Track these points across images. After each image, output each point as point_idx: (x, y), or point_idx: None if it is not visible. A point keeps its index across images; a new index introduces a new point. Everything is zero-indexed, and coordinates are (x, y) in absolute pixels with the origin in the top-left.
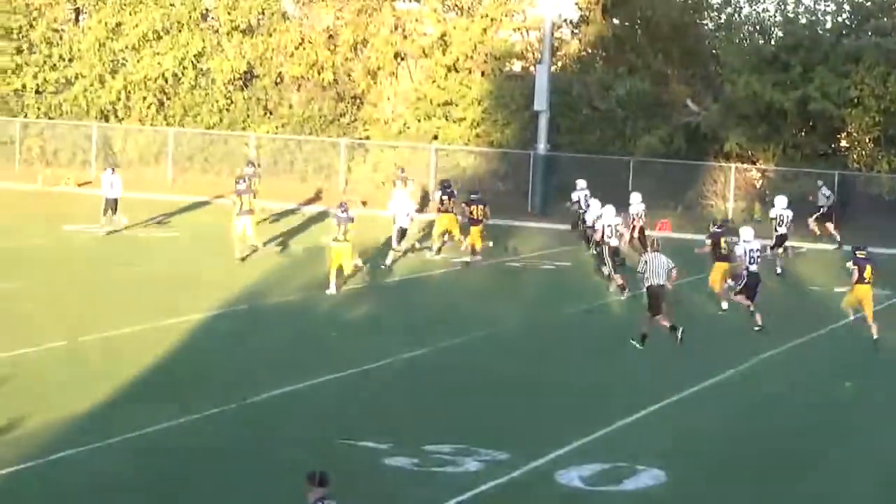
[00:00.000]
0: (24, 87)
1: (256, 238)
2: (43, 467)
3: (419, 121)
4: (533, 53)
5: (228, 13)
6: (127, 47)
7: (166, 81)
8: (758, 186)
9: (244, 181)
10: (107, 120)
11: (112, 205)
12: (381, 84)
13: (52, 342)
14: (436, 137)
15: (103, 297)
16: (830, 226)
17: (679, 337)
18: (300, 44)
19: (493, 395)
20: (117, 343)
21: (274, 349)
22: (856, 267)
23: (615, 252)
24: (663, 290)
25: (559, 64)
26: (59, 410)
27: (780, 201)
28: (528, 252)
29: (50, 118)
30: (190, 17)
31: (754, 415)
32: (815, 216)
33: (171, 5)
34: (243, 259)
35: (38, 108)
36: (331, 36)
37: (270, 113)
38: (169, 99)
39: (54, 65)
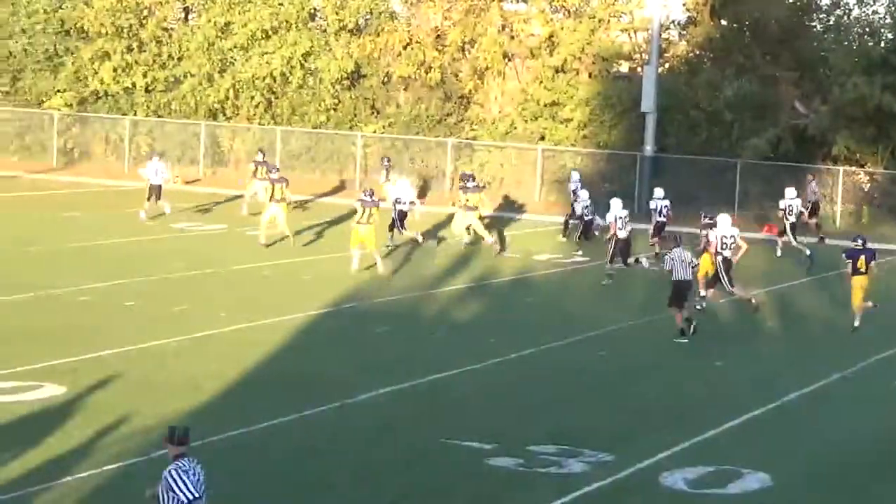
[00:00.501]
0: (133, 85)
1: (287, 227)
2: (146, 464)
3: (526, 121)
4: (640, 55)
5: (336, 13)
6: (235, 46)
7: (274, 80)
8: (866, 190)
9: (277, 170)
10: (215, 118)
11: (156, 191)
12: (489, 84)
13: (159, 340)
14: (542, 138)
15: (211, 295)
16: (813, 221)
17: (691, 331)
18: (408, 44)
19: (599, 396)
20: (225, 341)
21: (378, 348)
22: (849, 260)
23: (626, 244)
24: (689, 284)
25: (666, 65)
26: (166, 407)
27: (789, 192)
28: (636, 253)
29: (159, 116)
30: (298, 16)
31: (860, 420)
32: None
33: (280, 5)
34: (268, 245)
35: (148, 107)
36: (438, 36)
37: (377, 112)
38: (277, 98)
39: (164, 63)
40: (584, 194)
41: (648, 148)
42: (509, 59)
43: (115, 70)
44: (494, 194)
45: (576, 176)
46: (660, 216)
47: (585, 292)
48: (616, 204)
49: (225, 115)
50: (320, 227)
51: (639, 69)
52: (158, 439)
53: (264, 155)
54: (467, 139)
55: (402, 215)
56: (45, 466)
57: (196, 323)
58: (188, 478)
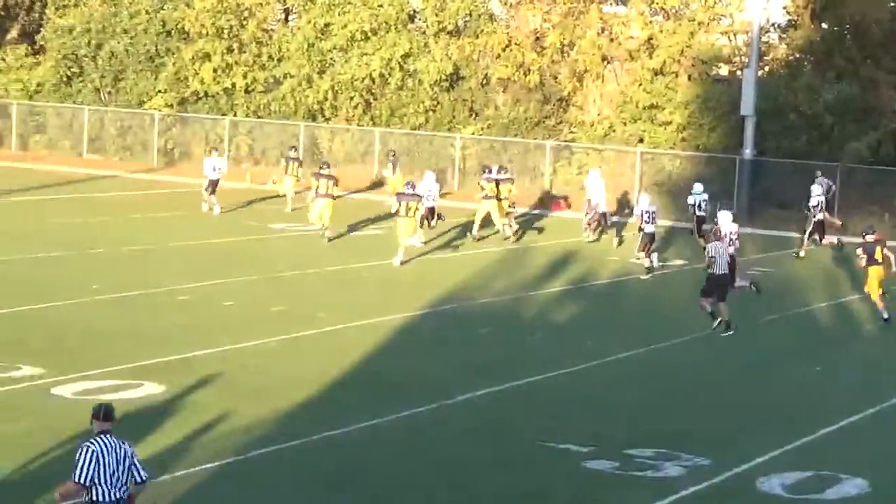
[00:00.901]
0: (233, 86)
1: (330, 222)
2: (243, 463)
3: (625, 124)
4: (740, 58)
5: (436, 14)
6: (335, 48)
7: (373, 82)
8: None
9: (327, 167)
10: (314, 119)
11: (212, 186)
12: (587, 87)
13: (258, 340)
14: (641, 141)
15: (310, 296)
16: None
17: (714, 327)
18: (507, 46)
19: (697, 400)
20: (324, 341)
21: (477, 350)
22: (864, 253)
23: (651, 238)
24: (726, 278)
25: (766, 69)
26: (264, 407)
27: (815, 189)
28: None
29: (258, 117)
30: (398, 18)
31: None
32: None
33: (380, 6)
34: (330, 240)
35: (247, 107)
36: (538, 38)
37: (476, 114)
38: (375, 99)
39: (263, 64)
40: (600, 184)
41: (748, 151)
42: (608, 62)
43: (215, 71)
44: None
45: (595, 173)
46: (699, 210)
47: (684, 294)
48: (644, 199)
49: (324, 116)
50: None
51: (738, 72)
52: (256, 439)
53: (296, 150)
54: (566, 141)
55: (430, 211)
56: (143, 464)
57: (295, 323)
58: (100, 457)
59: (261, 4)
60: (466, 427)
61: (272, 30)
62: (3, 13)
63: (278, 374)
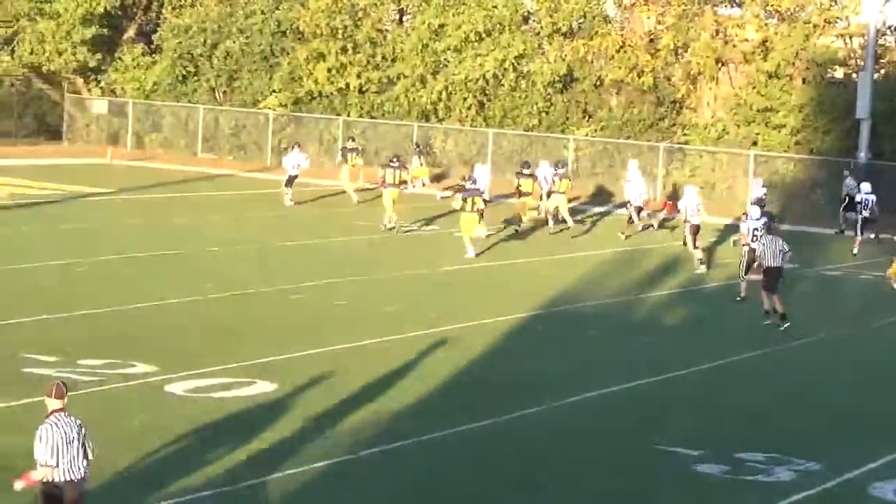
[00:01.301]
0: (347, 86)
1: (395, 212)
2: (345, 465)
3: (738, 126)
4: (855, 60)
5: (550, 16)
6: (449, 48)
7: (487, 83)
8: None
9: (397, 160)
10: (427, 120)
11: (290, 181)
12: (701, 89)
13: (370, 339)
14: (755, 143)
15: (422, 296)
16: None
17: (781, 325)
18: (621, 47)
19: (809, 404)
20: (435, 342)
21: (589, 352)
22: None
23: (696, 230)
24: (780, 271)
25: (882, 71)
26: (375, 406)
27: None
28: (847, 262)
29: (372, 117)
30: (512, 19)
31: None
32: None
33: (494, 7)
34: (397, 230)
35: (361, 108)
36: (652, 40)
37: (589, 116)
38: (489, 100)
39: (377, 65)
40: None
41: (862, 155)
42: (722, 64)
43: (329, 71)
44: (706, 199)
45: (633, 164)
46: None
47: (799, 299)
48: (691, 191)
49: (437, 116)
50: (528, 230)
51: (854, 75)
52: (366, 438)
53: (355, 140)
54: (679, 144)
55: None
56: (254, 462)
57: (406, 323)
58: (60, 435)
59: (375, 5)
60: (574, 428)
61: (386, 30)
62: (120, 13)
63: (389, 374)
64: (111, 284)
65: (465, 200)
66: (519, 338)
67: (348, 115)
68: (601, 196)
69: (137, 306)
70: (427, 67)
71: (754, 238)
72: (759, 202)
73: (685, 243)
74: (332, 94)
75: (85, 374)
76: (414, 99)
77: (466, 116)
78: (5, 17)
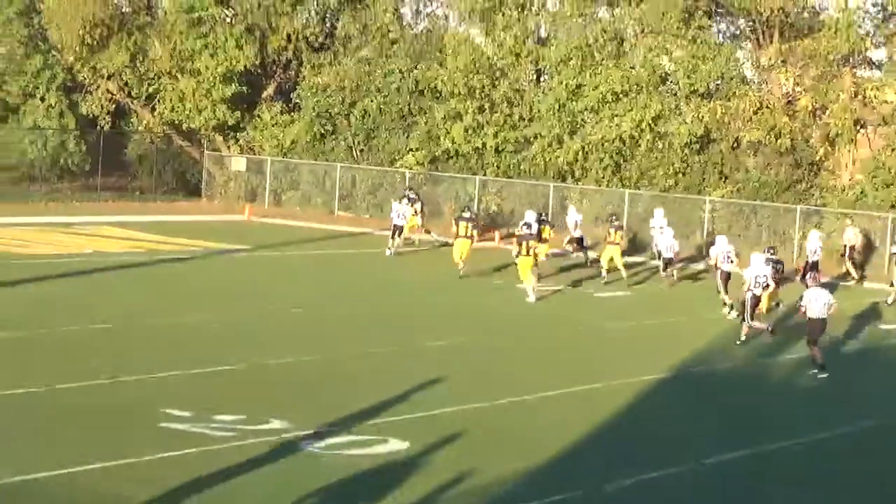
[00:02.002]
0: (483, 145)
1: (465, 261)
2: None
3: (877, 189)
4: None
5: (688, 77)
6: (586, 108)
7: (623, 143)
8: None
9: (468, 210)
10: (563, 180)
11: (399, 231)
12: (840, 151)
13: (503, 399)
14: (893, 206)
15: (554, 354)
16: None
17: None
18: (758, 109)
19: None
20: (570, 400)
21: (724, 414)
22: None
23: (727, 276)
24: (824, 323)
25: None
26: (507, 465)
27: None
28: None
29: (508, 177)
30: (649, 79)
31: None
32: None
33: (631, 68)
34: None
35: (497, 167)
36: (789, 101)
37: (726, 177)
38: (625, 161)
39: (514, 124)
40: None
41: None
42: (861, 126)
43: (466, 130)
44: (841, 262)
45: (660, 212)
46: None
47: None
48: (722, 240)
49: (573, 176)
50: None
51: None
52: (496, 497)
53: (413, 191)
54: (816, 206)
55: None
56: None
57: (539, 382)
58: None
59: (513, 65)
60: (721, 489)
61: (524, 90)
62: (259, 71)
63: (522, 433)
64: (246, 341)
65: (519, 245)
66: (655, 397)
67: (484, 174)
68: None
69: (273, 362)
70: (564, 127)
71: (757, 284)
72: (769, 251)
73: (718, 290)
74: (468, 153)
75: (219, 429)
76: (550, 159)
77: (603, 177)
78: (147, 75)
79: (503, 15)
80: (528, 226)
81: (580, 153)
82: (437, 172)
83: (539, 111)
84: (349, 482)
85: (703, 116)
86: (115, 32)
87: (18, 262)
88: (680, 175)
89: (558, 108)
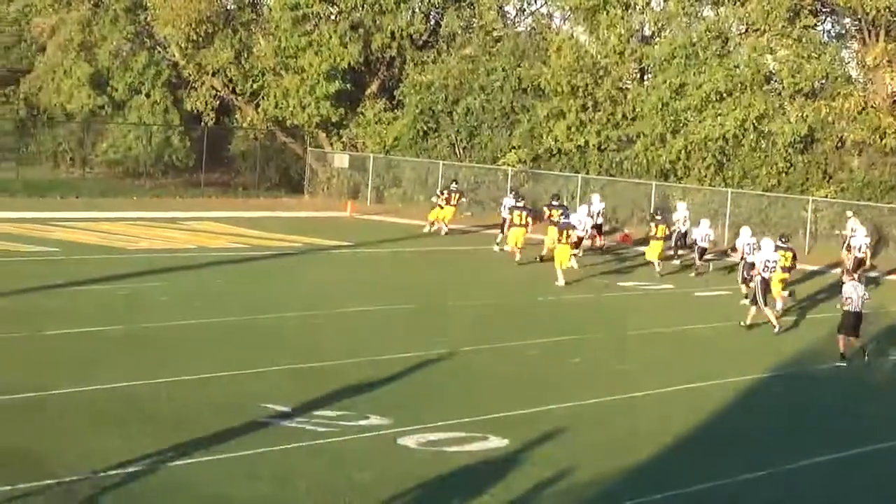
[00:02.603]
0: (586, 143)
1: (521, 247)
2: None
3: None
4: None
5: (792, 76)
6: (689, 108)
7: (726, 143)
8: None
9: (522, 199)
10: (666, 179)
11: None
12: None
13: (602, 397)
14: None
15: (655, 355)
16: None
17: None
18: (863, 108)
19: None
20: (667, 401)
21: (820, 415)
22: None
23: (752, 266)
24: (860, 316)
25: None
26: (605, 464)
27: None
28: None
29: (610, 175)
30: (753, 79)
31: None
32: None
33: (735, 67)
34: (520, 264)
35: (600, 165)
36: (895, 101)
37: (829, 177)
38: (728, 160)
39: (617, 123)
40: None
41: None
42: None
43: (569, 128)
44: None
45: (682, 205)
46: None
47: None
48: (746, 231)
49: (676, 175)
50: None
51: None
52: (595, 496)
53: (457, 183)
54: None
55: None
56: None
57: (639, 382)
58: None
59: (616, 63)
60: (809, 492)
61: (627, 89)
62: (363, 68)
63: (621, 432)
64: (347, 337)
65: (560, 232)
66: (754, 398)
67: (587, 173)
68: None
69: (373, 359)
70: (667, 126)
71: (765, 268)
72: (782, 238)
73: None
74: (571, 151)
75: (319, 424)
76: (653, 158)
77: (705, 176)
78: (252, 71)
79: (607, 13)
80: (567, 215)
81: (683, 152)
82: (540, 170)
83: (642, 110)
84: (447, 479)
85: (807, 116)
86: (221, 29)
87: (124, 257)
88: (783, 174)
89: (661, 106)
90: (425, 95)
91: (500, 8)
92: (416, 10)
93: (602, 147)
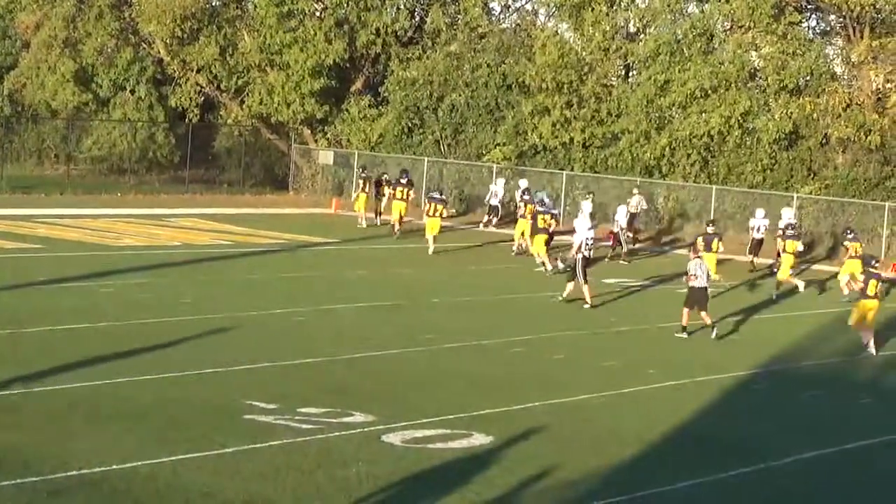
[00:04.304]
0: (571, 140)
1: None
2: None
3: None
4: None
5: (777, 73)
6: (674, 104)
7: (711, 139)
8: None
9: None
10: (650, 176)
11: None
12: None
13: (587, 394)
14: None
15: (640, 352)
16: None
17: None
18: (848, 105)
19: None
20: (652, 398)
21: (805, 413)
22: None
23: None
24: (705, 291)
25: None
26: (589, 462)
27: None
28: None
29: (595, 172)
30: (738, 76)
31: None
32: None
33: (720, 64)
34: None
35: (584, 162)
36: (880, 98)
37: (814, 174)
38: (713, 157)
39: (602, 120)
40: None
41: None
42: None
43: (553, 125)
44: None
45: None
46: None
47: None
48: (760, 213)
49: (661, 172)
50: (749, 286)
51: None
52: (578, 493)
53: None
54: None
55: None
56: None
57: (624, 379)
58: None
59: (601, 60)
60: (791, 491)
61: (612, 85)
62: (348, 65)
63: (605, 429)
64: (332, 334)
65: (533, 219)
66: (736, 396)
67: (571, 170)
68: (828, 255)
69: (358, 356)
70: (651, 123)
71: (584, 247)
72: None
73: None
74: (555, 147)
75: (304, 422)
76: (637, 154)
77: (690, 172)
78: (237, 68)
79: (592, 10)
80: (543, 202)
81: (667, 149)
82: (525, 167)
83: (627, 107)
84: (432, 475)
85: (791, 113)
86: (205, 25)
87: (108, 254)
88: (768, 171)
89: (646, 103)
90: (410, 92)
91: (485, 4)
92: (401, 6)
93: (587, 144)
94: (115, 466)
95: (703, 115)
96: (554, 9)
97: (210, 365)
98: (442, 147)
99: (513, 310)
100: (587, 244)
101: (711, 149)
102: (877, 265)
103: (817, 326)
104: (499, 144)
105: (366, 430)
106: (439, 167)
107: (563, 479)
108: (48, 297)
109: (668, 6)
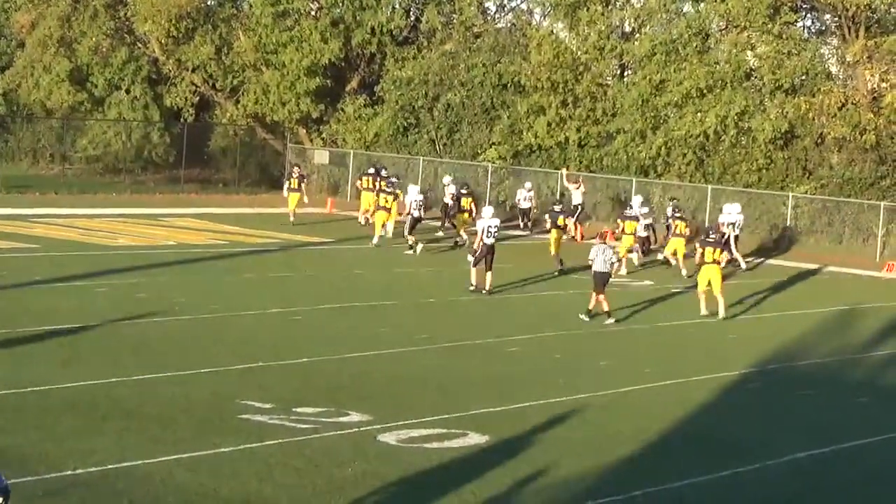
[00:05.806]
0: (566, 139)
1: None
2: None
3: None
4: None
5: (773, 73)
6: (669, 104)
7: (707, 139)
8: None
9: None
10: (646, 175)
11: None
12: None
13: (584, 393)
14: None
15: (637, 351)
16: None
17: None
18: (843, 105)
19: None
20: (648, 397)
21: (802, 412)
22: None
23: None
24: (606, 276)
25: None
26: (585, 461)
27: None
28: None
29: (591, 171)
30: (734, 75)
31: None
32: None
33: (716, 63)
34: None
35: (580, 161)
36: (875, 97)
37: (810, 174)
38: (709, 156)
39: (597, 119)
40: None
41: None
42: None
43: (549, 124)
44: None
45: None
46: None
47: None
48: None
49: (656, 171)
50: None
51: None
52: (574, 493)
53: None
54: None
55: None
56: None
57: (620, 378)
58: None
59: (597, 59)
60: (786, 491)
61: (607, 85)
62: (344, 64)
63: (602, 429)
64: (327, 333)
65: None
66: (731, 395)
67: (567, 169)
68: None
69: (353, 356)
70: (647, 122)
71: (487, 234)
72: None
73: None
74: (551, 147)
75: (299, 421)
76: (633, 154)
77: (685, 172)
78: (232, 67)
79: (588, 10)
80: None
81: (663, 148)
82: (520, 167)
83: (622, 106)
84: (428, 474)
85: (787, 112)
86: (201, 25)
87: (103, 254)
88: (763, 171)
89: (642, 103)
90: (405, 91)
91: (481, 4)
92: (397, 5)
93: (582, 143)
94: (110, 466)
95: (699, 114)
96: (549, 8)
97: (205, 365)
98: (437, 146)
99: (511, 309)
100: (489, 231)
101: (707, 148)
102: (714, 236)
103: (814, 325)
104: (494, 144)
105: (361, 429)
106: (434, 167)
107: (558, 479)
108: (43, 297)
109: (664, 5)
